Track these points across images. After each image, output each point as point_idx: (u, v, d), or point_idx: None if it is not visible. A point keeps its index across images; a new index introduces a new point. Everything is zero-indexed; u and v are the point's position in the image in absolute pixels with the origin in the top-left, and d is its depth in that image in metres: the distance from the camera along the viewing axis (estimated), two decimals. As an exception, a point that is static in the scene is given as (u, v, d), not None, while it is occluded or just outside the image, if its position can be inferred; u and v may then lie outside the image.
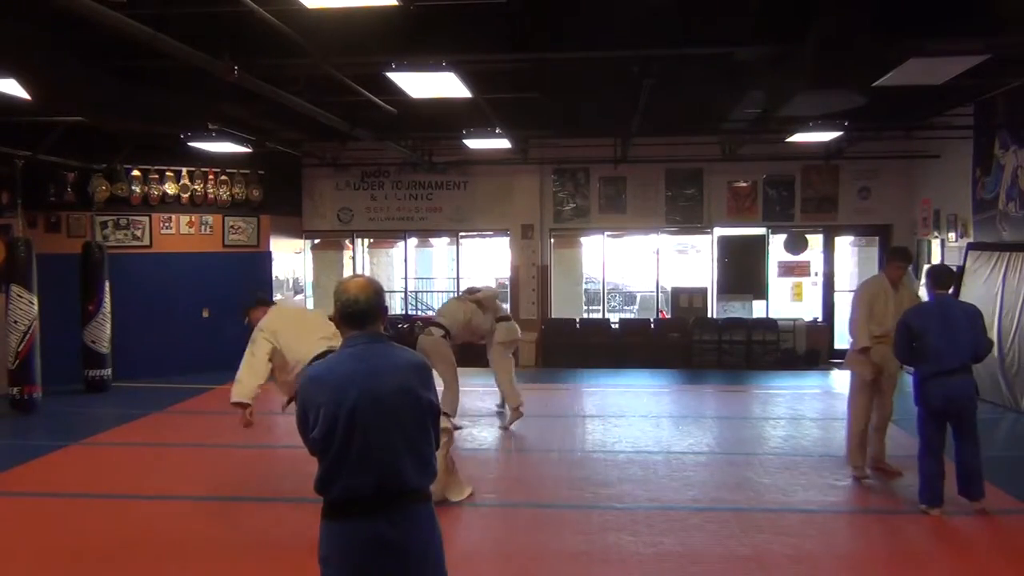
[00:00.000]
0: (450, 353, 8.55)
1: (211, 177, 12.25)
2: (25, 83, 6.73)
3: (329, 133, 10.82)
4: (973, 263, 10.30)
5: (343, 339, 2.88)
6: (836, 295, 14.07)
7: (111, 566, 5.06)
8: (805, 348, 13.37)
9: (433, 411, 2.88)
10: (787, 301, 14.26)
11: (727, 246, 13.75)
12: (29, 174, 10.41)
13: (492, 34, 6.69)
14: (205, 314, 11.98)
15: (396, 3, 5.18)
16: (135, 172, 11.75)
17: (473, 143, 10.96)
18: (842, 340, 14.37)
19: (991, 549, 5.27)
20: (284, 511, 5.97)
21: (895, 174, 13.07)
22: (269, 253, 12.97)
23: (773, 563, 4.99)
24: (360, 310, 2.83)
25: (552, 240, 14.06)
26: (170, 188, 11.97)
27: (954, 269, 7.02)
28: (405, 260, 15.25)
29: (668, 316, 14.10)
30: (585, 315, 14.44)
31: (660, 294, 14.64)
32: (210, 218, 12.44)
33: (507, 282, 14.41)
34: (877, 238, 13.65)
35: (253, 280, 12.49)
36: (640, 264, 16.17)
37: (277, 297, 13.22)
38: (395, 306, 15.31)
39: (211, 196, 12.29)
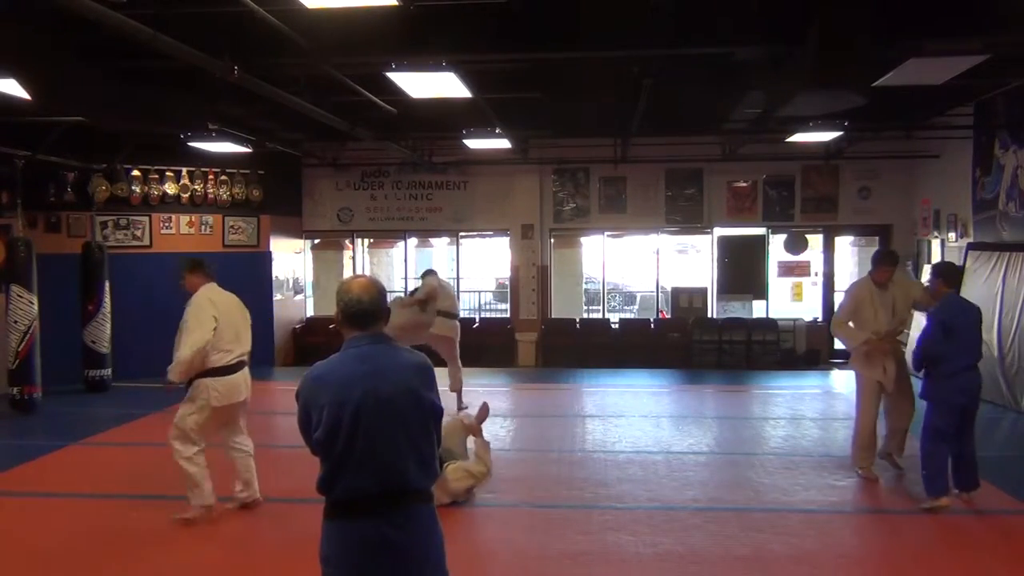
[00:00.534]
0: None
1: (211, 177, 12.25)
2: (25, 83, 6.73)
3: (329, 133, 10.83)
4: (973, 263, 10.29)
5: (346, 340, 2.86)
6: (836, 295, 14.07)
7: (111, 566, 5.06)
8: (805, 348, 13.38)
9: (435, 412, 2.88)
10: (787, 301, 14.27)
11: (727, 246, 13.76)
12: (29, 174, 10.41)
13: (492, 34, 6.69)
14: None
15: (396, 3, 5.18)
16: (135, 172, 11.75)
17: (473, 143, 10.96)
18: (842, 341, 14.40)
19: (991, 549, 5.27)
20: (284, 510, 5.97)
21: (895, 174, 13.08)
22: (269, 253, 12.97)
23: (773, 563, 4.99)
24: (364, 310, 2.83)
25: (552, 240, 14.06)
26: (170, 188, 11.98)
27: (960, 267, 7.07)
28: (405, 260, 15.25)
29: (668, 316, 14.11)
30: (585, 315, 14.45)
31: (660, 294, 14.65)
32: (210, 218, 12.44)
33: (507, 282, 14.42)
34: (877, 238, 13.65)
35: (253, 280, 12.49)
36: (640, 264, 16.18)
37: (277, 297, 13.26)
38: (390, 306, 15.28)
39: (211, 196, 12.29)
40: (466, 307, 16.74)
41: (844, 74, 6.05)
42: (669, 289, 14.24)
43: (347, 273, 15.05)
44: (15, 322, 9.52)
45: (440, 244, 17.81)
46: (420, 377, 2.85)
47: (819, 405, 10.11)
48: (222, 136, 9.87)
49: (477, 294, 18.16)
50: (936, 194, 12.16)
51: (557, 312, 14.09)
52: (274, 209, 13.06)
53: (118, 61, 7.41)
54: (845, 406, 9.95)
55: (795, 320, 13.59)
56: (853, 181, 13.31)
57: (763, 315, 13.70)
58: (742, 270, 13.73)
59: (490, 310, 17.71)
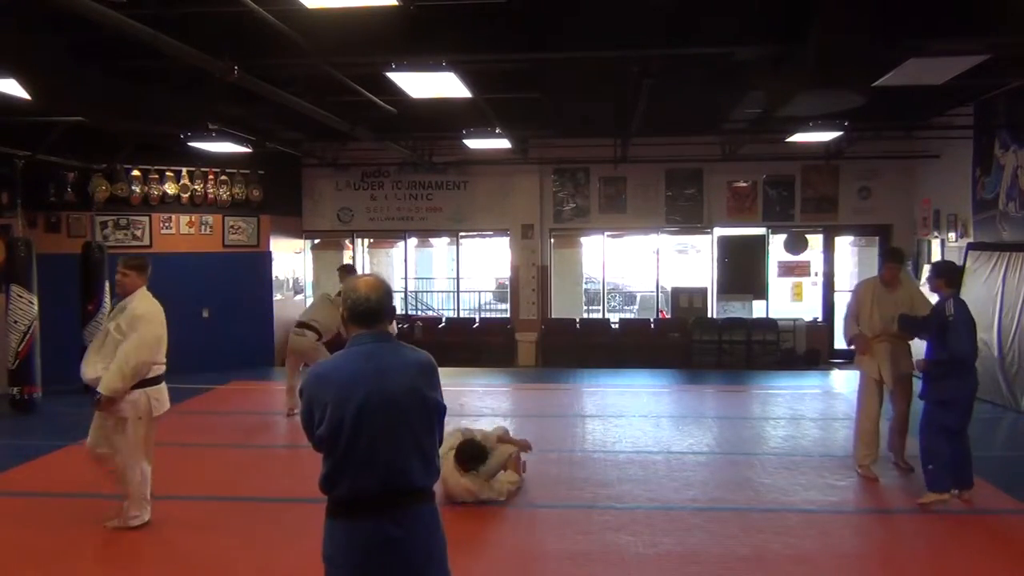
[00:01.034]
0: (324, 352, 8.81)
1: (211, 177, 12.26)
2: (25, 83, 6.73)
3: (329, 133, 10.83)
4: (973, 263, 10.29)
5: (350, 337, 2.86)
6: (836, 295, 14.08)
7: (111, 566, 5.06)
8: (805, 348, 13.38)
9: (439, 410, 2.88)
10: (787, 301, 14.27)
11: (727, 246, 13.76)
12: (29, 174, 10.41)
13: (492, 34, 6.69)
14: (205, 314, 11.99)
15: (396, 3, 5.18)
16: (135, 172, 11.75)
17: (473, 143, 10.96)
18: (842, 340, 14.39)
19: (991, 549, 5.27)
20: (284, 510, 5.97)
21: (895, 174, 13.08)
22: (269, 253, 12.97)
23: (773, 563, 4.99)
24: (371, 309, 2.82)
25: (552, 240, 14.06)
26: (170, 188, 11.98)
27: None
28: (405, 260, 15.26)
29: (668, 316, 14.11)
30: (585, 315, 14.45)
31: (660, 294, 14.65)
32: (210, 218, 12.44)
33: (507, 282, 14.43)
34: (877, 238, 13.66)
35: (253, 280, 12.52)
36: (640, 264, 16.19)
37: (277, 297, 13.26)
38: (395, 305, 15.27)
39: (211, 196, 12.29)
40: (466, 307, 16.77)
41: (844, 74, 6.05)
42: (669, 289, 14.24)
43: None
44: (15, 322, 9.52)
45: (440, 244, 17.84)
46: (424, 376, 2.85)
47: (819, 405, 10.11)
48: (222, 136, 9.87)
49: (477, 294, 18.18)
50: (936, 194, 12.16)
51: (557, 312, 14.09)
52: (274, 209, 13.07)
53: (118, 61, 7.40)
54: (845, 406, 9.95)
55: (795, 320, 13.59)
56: (853, 181, 13.31)
57: (763, 315, 13.70)
58: (742, 270, 13.73)
59: (490, 310, 17.72)
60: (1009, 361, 9.29)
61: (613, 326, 14.07)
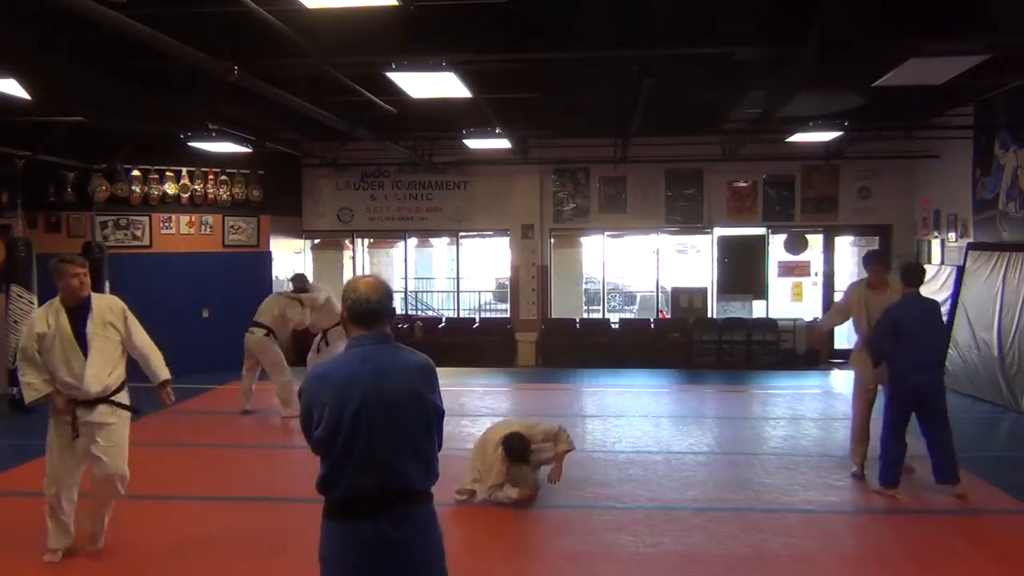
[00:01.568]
0: (272, 348, 9.01)
1: (211, 177, 12.25)
2: (25, 83, 6.73)
3: (329, 133, 10.82)
4: (973, 263, 10.30)
5: (349, 338, 2.86)
6: (836, 295, 14.07)
7: (111, 566, 5.06)
8: (805, 348, 13.37)
9: (438, 414, 2.88)
10: (787, 301, 14.27)
11: (727, 246, 13.76)
12: (29, 174, 10.41)
13: (492, 34, 6.69)
14: (205, 314, 11.99)
15: (396, 3, 5.18)
16: (135, 172, 11.75)
17: (473, 143, 10.96)
18: (842, 340, 14.40)
19: (991, 549, 5.27)
20: (284, 510, 5.97)
21: (895, 174, 13.08)
22: (269, 253, 12.97)
23: (773, 563, 4.99)
24: (371, 309, 2.82)
25: (552, 240, 14.06)
26: (170, 188, 11.98)
27: (923, 267, 7.19)
28: (405, 260, 15.26)
29: (668, 316, 14.11)
30: (585, 315, 14.44)
31: (660, 294, 14.65)
32: (210, 218, 12.44)
33: (507, 282, 14.43)
34: (877, 238, 13.66)
35: (253, 280, 12.50)
36: (640, 264, 16.18)
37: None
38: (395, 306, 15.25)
39: (211, 196, 12.29)
40: (466, 307, 16.77)
41: (844, 74, 6.05)
42: (669, 289, 14.24)
43: (347, 273, 15.07)
44: (15, 322, 9.52)
45: (440, 244, 17.84)
46: (423, 378, 2.85)
47: (819, 405, 10.11)
48: (222, 136, 9.87)
49: (477, 294, 18.17)
50: (936, 194, 12.16)
51: (557, 312, 14.08)
52: (274, 209, 13.07)
53: (118, 61, 7.40)
54: (845, 406, 9.93)
55: (795, 320, 13.59)
56: (853, 181, 13.31)
57: (763, 315, 13.70)
58: (742, 270, 13.73)
59: (490, 310, 17.72)
60: (1009, 361, 9.29)
61: (613, 326, 14.07)
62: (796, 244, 13.71)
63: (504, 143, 10.91)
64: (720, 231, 13.72)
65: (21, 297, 9.54)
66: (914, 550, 5.33)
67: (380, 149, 12.27)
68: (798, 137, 10.45)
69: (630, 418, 9.12)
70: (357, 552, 2.71)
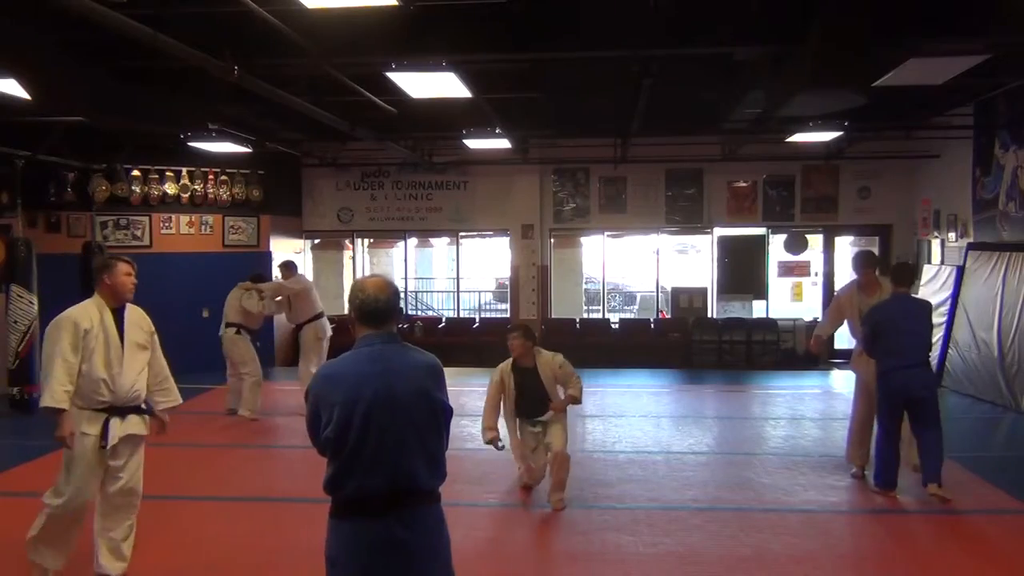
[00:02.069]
0: (241, 345, 8.96)
1: (211, 177, 12.25)
2: (25, 83, 6.73)
3: (329, 133, 10.82)
4: (973, 263, 10.29)
5: (358, 338, 2.85)
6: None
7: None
8: (805, 348, 13.36)
9: (447, 414, 2.88)
10: (787, 301, 14.27)
11: (727, 246, 13.76)
12: (29, 174, 10.40)
13: (492, 34, 6.69)
14: (205, 314, 11.96)
15: (396, 3, 5.18)
16: (135, 172, 11.75)
17: (473, 143, 10.96)
18: (842, 340, 14.40)
19: (991, 549, 5.27)
20: (284, 510, 5.97)
21: (895, 174, 13.08)
22: (269, 253, 12.97)
23: (773, 563, 4.99)
24: (380, 309, 2.82)
25: (552, 240, 14.06)
26: (170, 188, 11.98)
27: (912, 266, 7.16)
28: (405, 260, 15.25)
29: (668, 316, 14.10)
30: (585, 315, 14.44)
31: (660, 294, 14.64)
32: (210, 218, 12.44)
33: (507, 282, 14.43)
34: (877, 238, 13.66)
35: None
36: (640, 264, 16.17)
37: (277, 298, 13.22)
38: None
39: (211, 196, 12.29)
40: (466, 307, 16.77)
41: (844, 74, 6.05)
42: (669, 289, 14.24)
43: (347, 273, 15.08)
44: (15, 322, 9.52)
45: (440, 244, 17.83)
46: (432, 377, 2.86)
47: (819, 405, 10.11)
48: (222, 136, 9.87)
49: (477, 294, 18.17)
50: (936, 194, 12.16)
51: (557, 312, 14.08)
52: (274, 209, 13.07)
53: (118, 61, 7.41)
54: (845, 406, 9.93)
55: (795, 320, 13.59)
56: (853, 181, 13.32)
57: (763, 315, 13.70)
58: (742, 270, 13.73)
59: (490, 310, 17.71)
60: (1009, 361, 9.29)
61: (613, 326, 14.07)
62: (796, 244, 13.71)
63: (504, 143, 10.91)
64: (720, 231, 13.72)
65: (21, 297, 9.53)
66: (914, 550, 5.33)
67: (380, 149, 12.27)
68: (798, 137, 10.45)
69: (630, 418, 9.12)
70: (365, 552, 2.71)
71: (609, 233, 14.18)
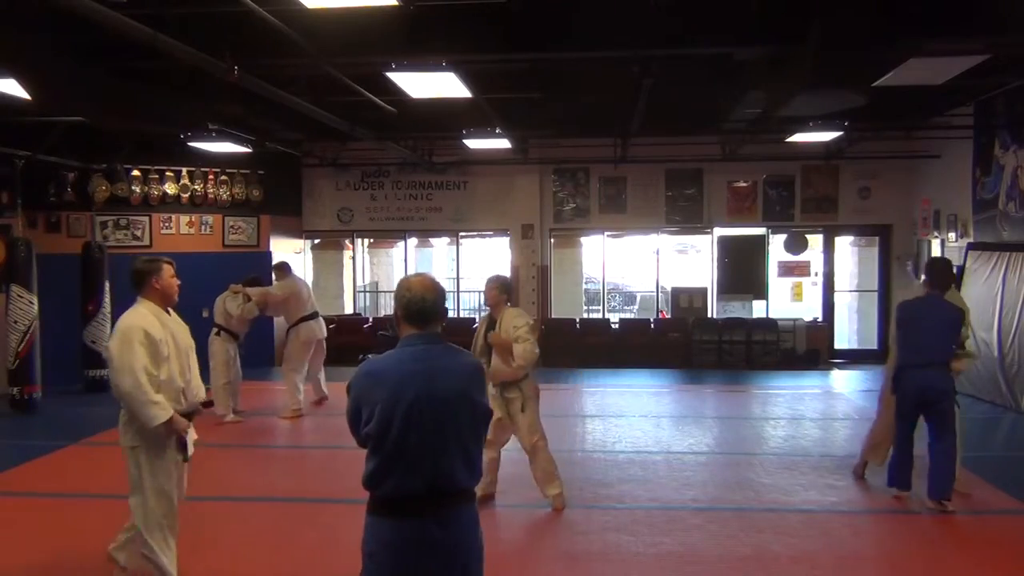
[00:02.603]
0: (217, 346, 8.89)
1: (211, 177, 12.26)
2: (25, 83, 6.74)
3: (329, 133, 10.83)
4: (973, 263, 10.29)
5: (402, 337, 2.86)
6: (836, 295, 14.08)
7: (111, 567, 5.05)
8: (805, 348, 13.37)
9: (487, 415, 2.92)
10: (787, 301, 14.26)
11: (727, 246, 13.76)
12: (29, 174, 10.41)
13: (492, 34, 6.70)
14: (205, 314, 11.93)
15: (396, 3, 5.18)
16: (135, 172, 11.76)
17: (473, 143, 10.96)
18: (842, 340, 14.41)
19: (991, 549, 5.27)
20: (284, 510, 5.96)
21: (895, 174, 13.08)
22: (269, 253, 12.95)
23: (773, 563, 4.99)
24: (427, 309, 2.82)
25: (552, 240, 14.06)
26: (170, 188, 11.98)
27: (948, 264, 6.88)
28: (405, 260, 15.24)
29: (668, 316, 14.10)
30: (585, 315, 14.45)
31: (660, 294, 14.64)
32: (210, 218, 12.44)
33: (507, 282, 14.40)
34: (877, 238, 13.66)
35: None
36: (640, 264, 16.17)
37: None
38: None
39: (211, 196, 12.29)
40: (466, 307, 16.76)
41: (844, 74, 6.05)
42: (669, 289, 14.23)
43: (347, 273, 15.08)
44: (15, 322, 9.52)
45: (440, 244, 17.82)
46: (473, 380, 2.88)
47: (819, 405, 10.11)
48: (222, 136, 9.88)
49: (477, 294, 18.15)
50: (936, 194, 12.16)
51: (557, 312, 14.09)
52: (274, 209, 13.07)
53: (118, 61, 7.40)
54: (845, 406, 9.96)
55: (795, 320, 13.59)
56: (853, 181, 13.31)
57: (763, 315, 13.70)
58: (742, 270, 13.72)
59: (490, 310, 17.68)
60: (1009, 361, 9.29)
61: (613, 326, 14.06)
62: (796, 244, 13.71)
63: (504, 143, 10.92)
64: (720, 231, 13.72)
65: (21, 297, 9.54)
66: (914, 550, 5.33)
67: (380, 149, 12.27)
68: (798, 137, 10.45)
69: (630, 418, 9.12)
70: (403, 550, 2.73)
71: (609, 233, 14.18)
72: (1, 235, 10.11)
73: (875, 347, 13.64)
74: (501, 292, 6.15)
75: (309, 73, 8.05)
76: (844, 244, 14.64)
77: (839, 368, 13.05)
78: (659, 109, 9.57)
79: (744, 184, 13.51)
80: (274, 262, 10.17)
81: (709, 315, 13.72)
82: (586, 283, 15.19)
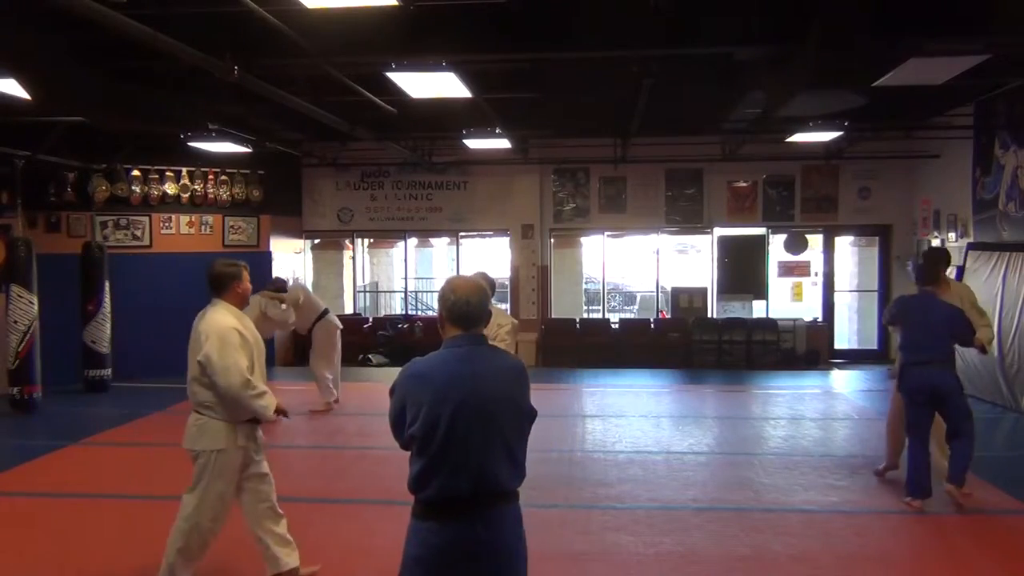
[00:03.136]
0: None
1: (211, 177, 12.25)
2: (25, 83, 6.73)
3: (329, 133, 10.83)
4: (973, 263, 10.29)
5: (446, 338, 2.86)
6: (836, 295, 14.09)
7: (111, 566, 5.06)
8: (805, 348, 13.38)
9: (532, 416, 2.92)
10: (787, 301, 14.27)
11: (727, 246, 13.76)
12: (29, 174, 10.41)
13: (492, 34, 6.70)
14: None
15: (396, 3, 5.18)
16: (135, 172, 11.75)
17: (473, 143, 10.96)
18: (842, 340, 14.41)
19: (992, 549, 5.27)
20: (285, 510, 5.95)
21: (895, 174, 13.08)
22: (269, 253, 12.96)
23: (773, 563, 4.99)
24: (472, 311, 2.83)
25: (552, 240, 14.06)
26: (170, 188, 11.98)
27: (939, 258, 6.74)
28: (405, 260, 15.25)
29: (668, 316, 14.11)
30: (585, 315, 14.45)
31: (660, 294, 14.65)
32: (210, 218, 12.44)
33: (507, 282, 14.44)
34: (877, 238, 13.67)
35: (253, 280, 12.43)
36: (640, 264, 16.18)
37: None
38: (395, 306, 15.28)
39: (211, 196, 12.29)
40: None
41: (844, 74, 6.05)
42: (669, 289, 14.24)
43: (347, 273, 15.09)
44: (15, 322, 9.52)
45: (440, 244, 17.84)
46: (518, 382, 2.89)
47: (819, 405, 10.11)
48: (222, 136, 9.87)
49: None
50: (936, 194, 12.16)
51: (557, 312, 14.09)
52: (274, 209, 13.06)
53: (118, 61, 7.41)
54: (845, 406, 9.96)
55: (795, 320, 13.59)
56: (853, 181, 13.32)
57: (763, 315, 13.70)
58: (742, 270, 13.73)
59: (490, 310, 17.69)
60: (1009, 361, 9.29)
61: (613, 326, 14.07)
62: (796, 244, 13.72)
63: (504, 143, 10.92)
64: (720, 231, 13.73)
65: (21, 297, 9.54)
66: (914, 550, 5.33)
67: (380, 149, 12.27)
68: (798, 137, 10.45)
69: (630, 418, 9.12)
70: (449, 553, 2.72)
71: (609, 233, 14.18)
72: (1, 235, 10.10)
73: (875, 347, 13.66)
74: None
75: (309, 73, 8.05)
76: (844, 244, 14.65)
77: (839, 368, 13.05)
78: (659, 109, 9.56)
79: (744, 184, 13.51)
80: (269, 282, 9.94)
81: (709, 315, 13.72)
82: (586, 283, 15.20)
